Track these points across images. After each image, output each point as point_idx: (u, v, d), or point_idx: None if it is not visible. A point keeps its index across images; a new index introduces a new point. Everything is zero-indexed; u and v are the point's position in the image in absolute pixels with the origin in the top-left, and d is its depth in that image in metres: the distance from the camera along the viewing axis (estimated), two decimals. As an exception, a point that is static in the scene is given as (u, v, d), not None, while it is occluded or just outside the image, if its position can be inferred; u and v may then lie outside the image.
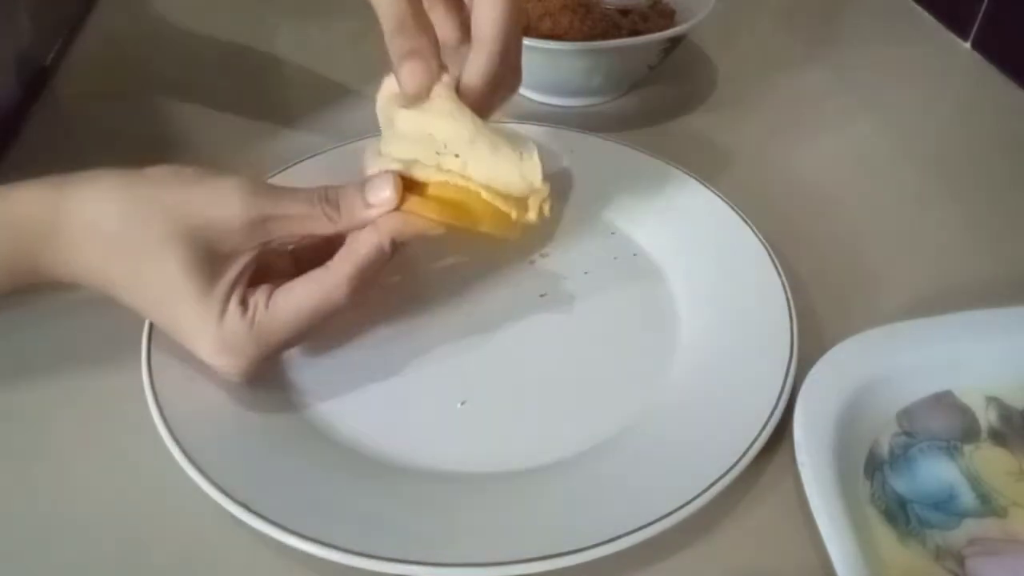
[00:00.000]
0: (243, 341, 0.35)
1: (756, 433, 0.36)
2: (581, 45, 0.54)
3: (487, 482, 0.36)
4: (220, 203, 0.34)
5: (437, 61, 0.37)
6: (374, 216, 0.36)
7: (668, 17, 0.61)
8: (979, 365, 0.39)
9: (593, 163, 0.52)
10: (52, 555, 0.34)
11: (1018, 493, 0.35)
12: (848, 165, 0.56)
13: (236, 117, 0.59)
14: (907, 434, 0.37)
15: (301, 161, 0.50)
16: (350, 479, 0.35)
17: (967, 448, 0.37)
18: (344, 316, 0.40)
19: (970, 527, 0.34)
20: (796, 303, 0.42)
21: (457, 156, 0.37)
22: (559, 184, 0.51)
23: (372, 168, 0.38)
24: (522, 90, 0.62)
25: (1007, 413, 0.38)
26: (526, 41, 0.53)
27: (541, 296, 0.45)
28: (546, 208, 0.39)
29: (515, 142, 0.38)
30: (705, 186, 0.49)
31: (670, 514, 0.33)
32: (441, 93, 0.37)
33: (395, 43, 0.37)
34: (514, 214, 0.38)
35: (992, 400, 0.39)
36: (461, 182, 0.37)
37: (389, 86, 0.40)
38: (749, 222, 0.46)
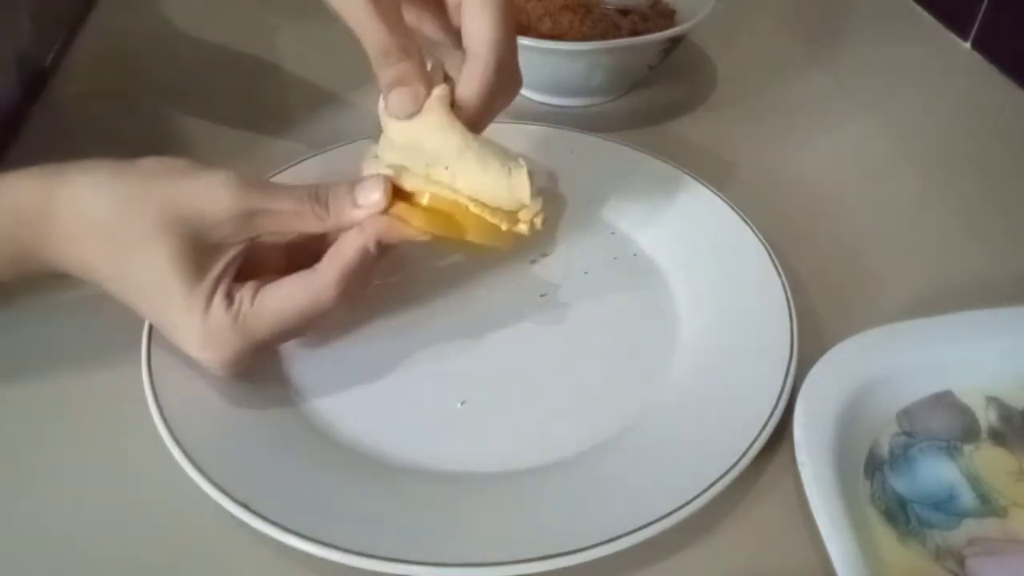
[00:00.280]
0: (227, 335, 0.35)
1: (756, 433, 0.36)
2: (581, 45, 0.54)
3: (487, 482, 0.36)
4: (210, 195, 0.35)
5: (424, 83, 0.37)
6: (361, 217, 0.36)
7: (668, 17, 0.61)
8: (979, 365, 0.39)
9: (593, 163, 0.52)
10: (52, 555, 0.34)
11: (1018, 493, 0.35)
12: (848, 165, 0.56)
13: (235, 117, 0.59)
14: (907, 434, 0.37)
15: (299, 162, 0.50)
16: (350, 479, 0.36)
17: (967, 448, 0.37)
18: (344, 315, 0.40)
19: (970, 527, 0.34)
20: (796, 303, 0.42)
21: (446, 168, 0.37)
22: (558, 184, 0.51)
23: (367, 170, 0.38)
24: (522, 90, 0.62)
25: (1007, 413, 0.38)
26: (526, 41, 0.53)
27: (541, 296, 0.45)
28: (538, 222, 0.38)
29: (504, 157, 0.38)
30: (705, 186, 0.49)
31: (670, 514, 0.33)
32: (434, 106, 0.37)
33: (380, 71, 0.37)
34: (504, 226, 0.38)
35: (992, 400, 0.39)
36: (449, 194, 0.37)
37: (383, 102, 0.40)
38: (749, 222, 0.46)
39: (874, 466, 0.36)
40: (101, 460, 0.37)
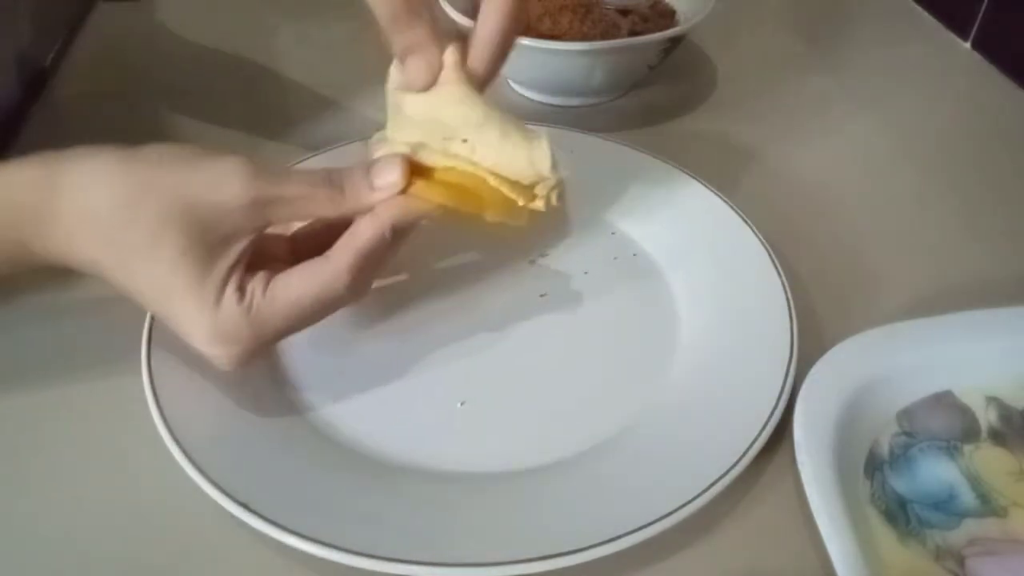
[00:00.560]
0: (239, 328, 0.34)
1: (756, 433, 0.36)
2: (581, 45, 0.54)
3: (487, 482, 0.36)
4: (219, 184, 0.33)
5: (437, 50, 0.37)
6: (379, 199, 0.35)
7: (668, 17, 0.61)
8: (979, 365, 0.39)
9: (593, 163, 0.52)
10: (52, 555, 0.34)
11: (1018, 493, 0.35)
12: (848, 165, 0.56)
13: (235, 118, 0.59)
14: (907, 434, 0.37)
15: (299, 162, 0.50)
16: (350, 479, 0.36)
17: (967, 448, 0.37)
18: (343, 315, 0.40)
19: (970, 527, 0.34)
20: (796, 303, 0.42)
21: (465, 141, 0.36)
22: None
23: (378, 153, 0.37)
24: (522, 90, 0.62)
25: (1007, 413, 0.38)
26: (526, 41, 0.53)
27: (541, 296, 0.45)
28: (554, 197, 0.38)
29: (525, 130, 0.37)
30: (705, 186, 0.49)
31: (670, 514, 0.33)
32: (450, 77, 0.37)
33: (393, 38, 0.37)
34: (521, 201, 0.37)
35: (992, 400, 0.39)
36: (468, 167, 0.36)
37: (398, 71, 0.39)
38: (749, 222, 0.46)
39: (874, 466, 0.36)
40: (101, 460, 0.37)
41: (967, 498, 0.35)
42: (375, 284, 0.41)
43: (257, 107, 0.61)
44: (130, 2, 0.72)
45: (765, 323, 0.41)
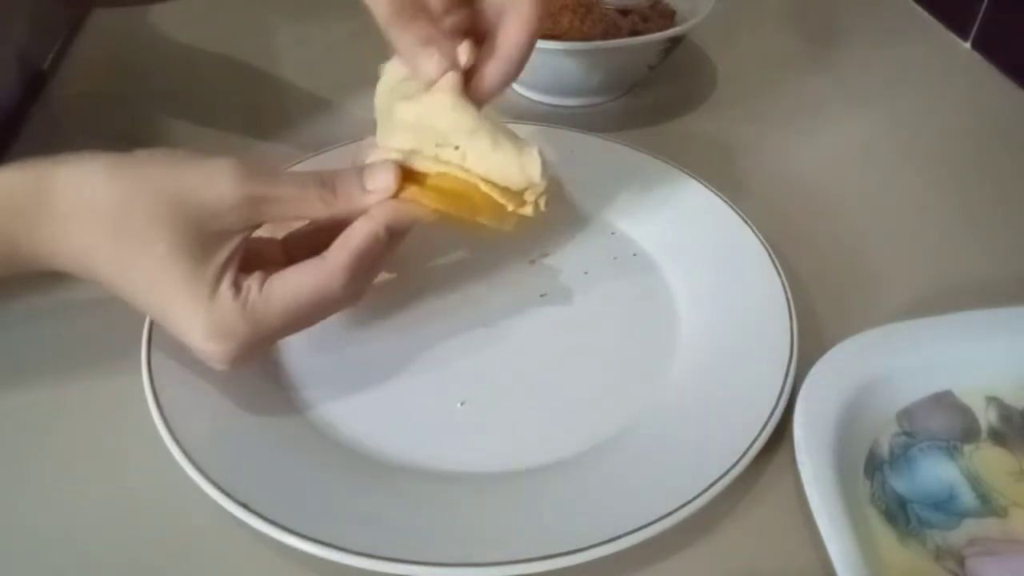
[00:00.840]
0: (234, 323, 0.34)
1: (756, 433, 0.36)
2: (581, 45, 0.54)
3: (487, 482, 0.36)
4: (212, 182, 0.34)
5: (450, 43, 0.37)
6: (371, 202, 0.36)
7: (668, 17, 0.61)
8: (979, 365, 0.39)
9: (593, 163, 0.52)
10: (52, 555, 0.34)
11: (1018, 493, 0.35)
12: (848, 165, 0.56)
13: (232, 119, 0.59)
14: (907, 434, 0.37)
15: (296, 164, 0.50)
16: (350, 479, 0.35)
17: (967, 448, 0.37)
18: (343, 314, 0.40)
19: (970, 527, 0.34)
20: (796, 303, 0.41)
21: (457, 148, 0.37)
22: (558, 184, 0.51)
23: (370, 159, 0.38)
24: (522, 90, 0.62)
25: (1007, 413, 0.38)
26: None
27: (541, 296, 0.45)
28: (542, 203, 0.38)
29: (515, 137, 0.38)
30: (705, 186, 0.49)
31: (670, 514, 0.33)
32: (443, 85, 0.37)
33: (399, 32, 0.37)
34: (511, 207, 0.37)
35: (992, 400, 0.39)
36: (460, 174, 0.37)
37: (389, 77, 0.40)
38: (749, 222, 0.46)
39: (874, 466, 0.36)
40: (101, 460, 0.37)
41: (967, 498, 0.35)
42: (376, 281, 0.41)
43: (256, 108, 0.61)
44: (126, 7, 0.72)
45: (765, 323, 0.41)
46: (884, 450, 0.37)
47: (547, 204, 0.39)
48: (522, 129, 0.52)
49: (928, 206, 0.53)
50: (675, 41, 0.57)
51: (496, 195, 0.37)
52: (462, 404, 0.39)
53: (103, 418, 0.39)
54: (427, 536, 0.33)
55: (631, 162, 0.51)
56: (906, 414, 0.38)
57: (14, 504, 0.36)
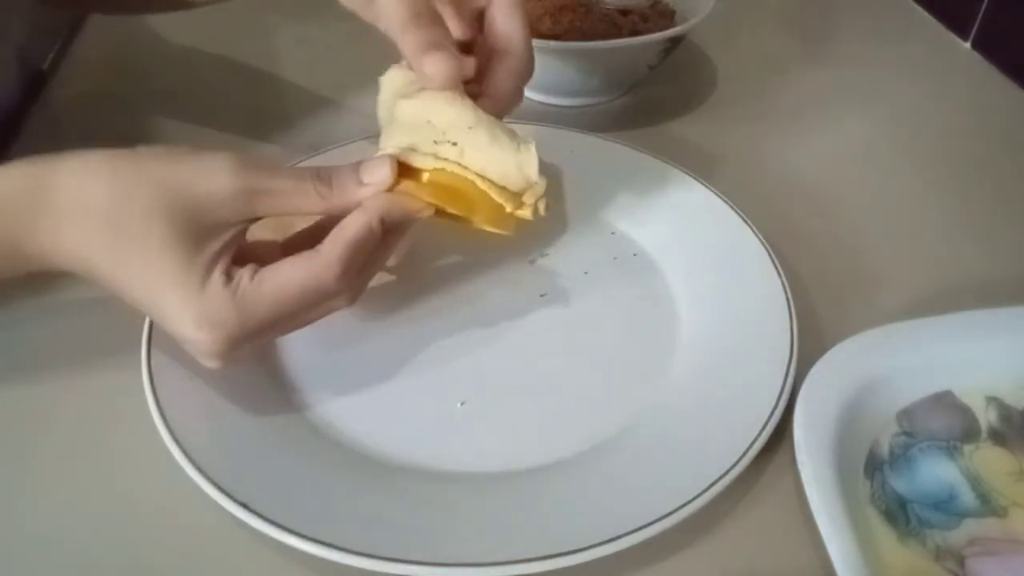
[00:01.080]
0: (225, 311, 0.34)
1: (756, 433, 0.36)
2: (581, 45, 0.54)
3: (487, 482, 0.36)
4: (208, 175, 0.34)
5: (456, 49, 0.37)
6: (366, 195, 0.36)
7: (668, 17, 0.61)
8: (979, 365, 0.39)
9: (593, 163, 0.52)
10: (52, 555, 0.34)
11: (1018, 493, 0.35)
12: (848, 165, 0.56)
13: (234, 119, 0.59)
14: (907, 434, 0.37)
15: (302, 160, 0.50)
16: (350, 479, 0.35)
17: (967, 448, 0.37)
18: (343, 314, 0.40)
19: (970, 527, 0.34)
20: (796, 303, 0.42)
21: (455, 144, 0.37)
22: (558, 184, 0.51)
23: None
24: (522, 90, 0.62)
25: (1007, 413, 0.38)
26: (526, 41, 0.53)
27: (541, 296, 0.45)
28: (541, 207, 0.38)
29: (514, 134, 0.38)
30: (705, 186, 0.49)
31: (670, 514, 0.33)
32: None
33: (408, 37, 0.37)
34: (508, 207, 0.37)
35: (992, 400, 0.39)
36: (457, 170, 0.37)
37: (390, 85, 0.40)
38: (749, 222, 0.46)
39: (874, 466, 0.36)
40: (101, 460, 0.37)
41: (967, 498, 0.35)
42: (376, 282, 0.41)
43: (256, 108, 0.61)
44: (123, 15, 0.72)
45: (765, 323, 0.41)
46: (884, 450, 0.37)
47: (546, 209, 0.39)
48: (522, 129, 0.52)
49: (928, 206, 0.53)
50: (675, 41, 0.57)
51: (494, 193, 0.37)
52: (462, 404, 0.39)
53: (103, 418, 0.39)
54: (427, 536, 0.33)
55: (631, 162, 0.51)
56: (906, 414, 0.38)
57: (14, 504, 0.36)
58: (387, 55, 0.39)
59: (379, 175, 0.36)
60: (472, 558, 0.32)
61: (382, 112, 0.40)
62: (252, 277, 0.34)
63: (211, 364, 0.35)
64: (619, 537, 0.32)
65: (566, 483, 0.36)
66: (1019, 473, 0.36)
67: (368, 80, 0.41)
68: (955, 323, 0.40)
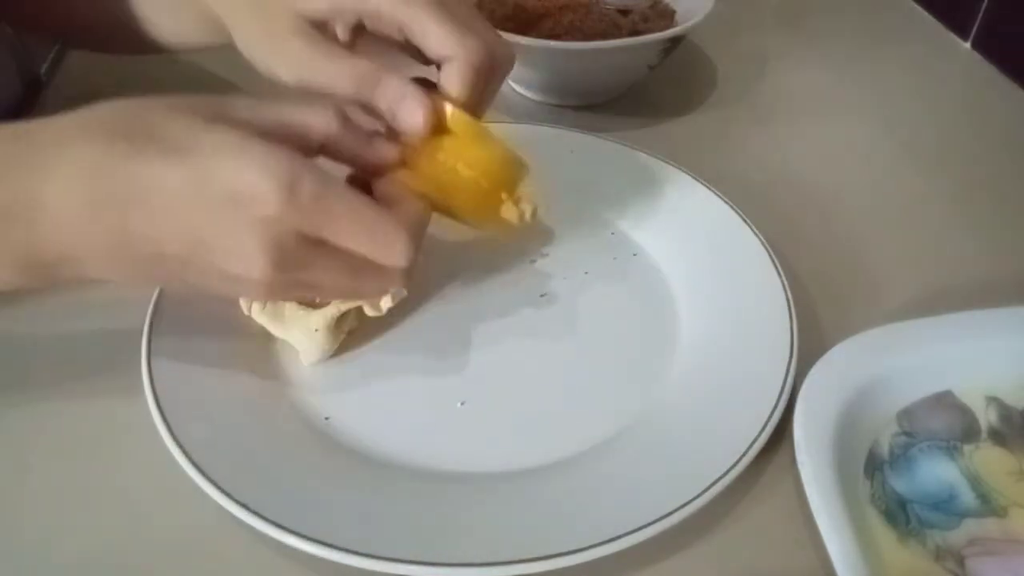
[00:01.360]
0: (299, 164, 0.30)
1: (756, 433, 0.36)
2: (581, 45, 0.54)
3: (487, 482, 0.36)
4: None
5: (419, 89, 0.37)
6: (404, 124, 0.36)
7: (668, 17, 0.61)
8: (979, 365, 0.39)
9: (593, 163, 0.52)
10: (52, 555, 0.34)
11: (1018, 493, 0.35)
12: (848, 165, 0.56)
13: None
14: (907, 434, 0.37)
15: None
16: (350, 479, 0.36)
17: (967, 448, 0.37)
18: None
19: (970, 527, 0.34)
20: (796, 303, 0.42)
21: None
22: (558, 184, 0.51)
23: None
24: (522, 90, 0.62)
25: (1007, 413, 0.38)
26: (526, 41, 0.53)
27: (541, 296, 0.45)
28: (528, 212, 0.39)
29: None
30: (705, 186, 0.49)
31: (670, 514, 0.33)
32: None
33: (376, 98, 0.37)
34: (493, 200, 0.38)
35: (992, 400, 0.39)
36: (450, 157, 0.37)
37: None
38: (749, 222, 0.46)
39: (874, 466, 0.36)
40: (101, 460, 0.37)
41: (967, 498, 0.35)
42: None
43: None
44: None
45: (765, 323, 0.41)
46: (884, 450, 0.37)
47: (533, 216, 0.40)
48: (522, 129, 0.52)
49: (928, 206, 0.53)
50: (675, 41, 0.57)
51: (485, 182, 0.37)
52: (462, 404, 0.39)
53: (103, 418, 0.39)
54: (427, 536, 0.33)
55: (631, 162, 0.51)
56: (906, 414, 0.38)
57: (14, 504, 0.36)
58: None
59: (414, 119, 0.36)
60: (472, 558, 0.32)
61: None
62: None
63: (261, 264, 0.30)
64: (619, 537, 0.32)
65: (566, 483, 0.36)
66: (1019, 473, 0.36)
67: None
68: (955, 323, 0.40)
